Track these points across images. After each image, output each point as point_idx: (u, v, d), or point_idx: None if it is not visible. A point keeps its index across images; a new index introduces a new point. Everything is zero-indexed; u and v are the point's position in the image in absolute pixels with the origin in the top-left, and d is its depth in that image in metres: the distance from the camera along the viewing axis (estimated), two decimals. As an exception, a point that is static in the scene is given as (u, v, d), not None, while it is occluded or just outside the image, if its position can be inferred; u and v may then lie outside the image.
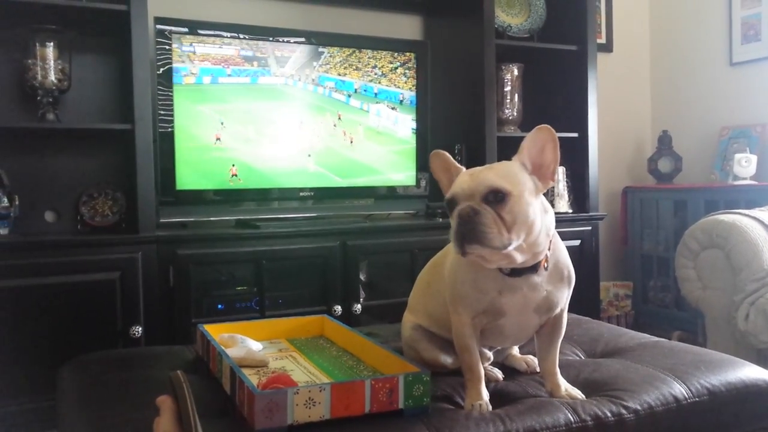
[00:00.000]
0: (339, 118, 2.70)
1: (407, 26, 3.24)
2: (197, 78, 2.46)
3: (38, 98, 2.35)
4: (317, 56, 2.66)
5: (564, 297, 1.27)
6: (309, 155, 2.68)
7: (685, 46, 3.78)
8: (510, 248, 1.13)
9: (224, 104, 2.53)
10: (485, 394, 1.24)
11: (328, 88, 2.68)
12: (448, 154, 1.27)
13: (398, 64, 2.80)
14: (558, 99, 3.23)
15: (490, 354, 1.42)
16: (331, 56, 2.65)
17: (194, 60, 2.46)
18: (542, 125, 1.21)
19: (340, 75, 2.70)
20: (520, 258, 1.16)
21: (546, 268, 1.22)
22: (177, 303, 2.33)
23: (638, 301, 3.65)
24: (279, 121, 2.62)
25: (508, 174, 1.17)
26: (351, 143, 2.74)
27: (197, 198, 2.51)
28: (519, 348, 1.50)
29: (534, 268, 1.20)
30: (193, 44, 2.46)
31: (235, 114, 2.55)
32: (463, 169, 1.25)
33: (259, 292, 2.46)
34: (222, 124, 2.52)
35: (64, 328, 2.17)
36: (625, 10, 3.85)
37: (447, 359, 1.38)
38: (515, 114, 3.14)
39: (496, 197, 1.13)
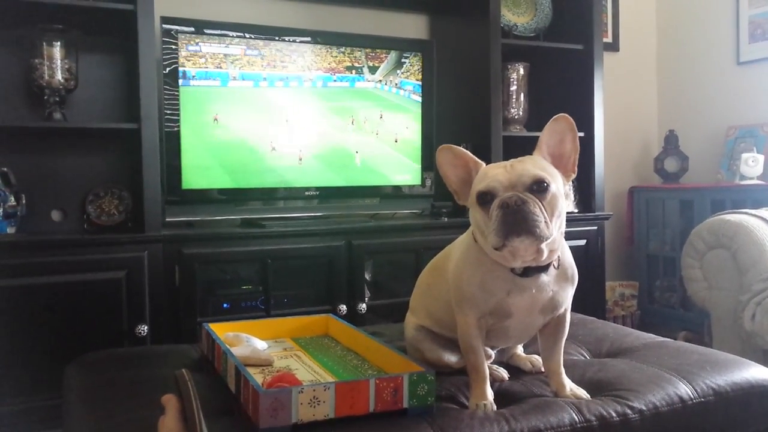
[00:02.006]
0: (381, 117, 2.85)
1: (413, 25, 3.24)
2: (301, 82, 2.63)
3: (45, 97, 2.36)
4: (401, 65, 2.87)
5: (568, 296, 1.27)
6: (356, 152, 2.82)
7: (692, 45, 3.76)
8: (548, 240, 1.12)
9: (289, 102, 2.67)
10: (490, 394, 1.24)
11: (407, 90, 2.90)
12: (462, 149, 1.24)
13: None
14: (564, 98, 3.22)
15: (492, 353, 1.42)
16: (411, 65, 2.90)
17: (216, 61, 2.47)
18: (559, 115, 1.20)
19: (418, 79, 2.91)
20: (546, 253, 1.15)
21: (556, 267, 1.22)
22: (182, 302, 2.33)
23: (644, 301, 3.64)
24: (369, 118, 2.82)
25: (543, 166, 1.17)
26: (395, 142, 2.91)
27: (203, 197, 2.52)
28: (523, 347, 1.50)
29: (544, 268, 1.20)
30: (200, 43, 2.47)
31: (299, 112, 2.68)
32: (483, 163, 1.23)
33: (264, 292, 2.46)
34: (287, 121, 2.65)
35: (70, 327, 2.18)
36: (631, 9, 3.84)
37: (451, 359, 1.38)
38: (521, 113, 3.14)
39: (540, 187, 1.12)
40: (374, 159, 2.83)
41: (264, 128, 2.61)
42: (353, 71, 2.77)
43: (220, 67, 2.51)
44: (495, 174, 1.15)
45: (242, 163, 2.57)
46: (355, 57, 2.76)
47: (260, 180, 2.61)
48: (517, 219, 1.09)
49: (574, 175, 1.24)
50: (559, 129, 1.21)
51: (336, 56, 2.71)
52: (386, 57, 2.83)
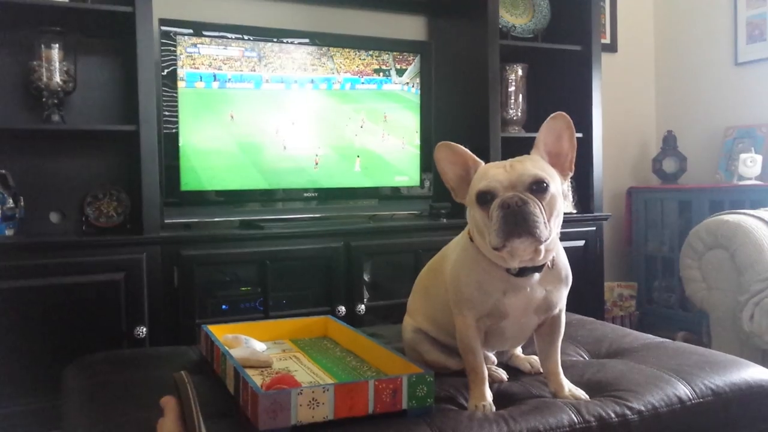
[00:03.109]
0: (384, 120, 2.87)
1: (411, 27, 3.24)
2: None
3: (43, 100, 2.36)
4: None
5: (562, 297, 1.28)
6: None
7: (689, 45, 3.77)
8: (547, 241, 1.12)
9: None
10: (489, 395, 1.24)
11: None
12: (460, 146, 1.24)
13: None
14: (562, 99, 3.22)
15: (493, 357, 1.42)
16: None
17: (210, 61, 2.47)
18: (557, 113, 1.21)
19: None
20: (543, 253, 1.16)
21: (551, 267, 1.22)
22: (181, 304, 2.33)
23: (642, 302, 3.64)
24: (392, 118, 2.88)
25: (542, 166, 1.17)
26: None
27: (201, 199, 2.52)
28: (522, 348, 1.50)
29: (539, 267, 1.20)
30: (198, 45, 2.47)
31: (299, 114, 2.67)
32: (482, 162, 1.23)
33: (263, 293, 2.46)
34: (293, 124, 2.66)
35: (68, 329, 2.17)
36: (629, 10, 3.85)
37: (449, 360, 1.38)
38: (519, 114, 3.14)
39: (540, 187, 1.12)
40: (387, 160, 2.86)
41: (263, 130, 2.61)
42: (380, 74, 2.80)
43: (219, 69, 2.51)
44: (495, 174, 1.15)
45: (239, 165, 2.57)
46: (383, 60, 2.79)
47: (259, 181, 2.61)
48: (517, 220, 1.09)
49: (571, 174, 1.24)
50: (556, 127, 1.21)
51: (347, 59, 2.71)
52: (413, 60, 2.86)
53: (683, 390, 1.29)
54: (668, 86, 3.91)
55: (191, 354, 1.61)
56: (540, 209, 1.11)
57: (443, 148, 1.25)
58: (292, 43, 2.63)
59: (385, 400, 1.12)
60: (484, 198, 1.14)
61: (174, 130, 2.44)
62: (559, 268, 1.25)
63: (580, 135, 3.09)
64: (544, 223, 1.10)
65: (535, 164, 1.16)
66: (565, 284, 1.27)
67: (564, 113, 1.21)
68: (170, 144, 2.44)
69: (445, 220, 2.81)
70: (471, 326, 1.24)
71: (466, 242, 1.26)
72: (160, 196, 2.37)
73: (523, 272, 1.19)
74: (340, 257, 2.56)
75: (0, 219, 2.25)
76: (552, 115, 1.21)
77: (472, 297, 1.23)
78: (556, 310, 1.28)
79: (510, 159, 1.19)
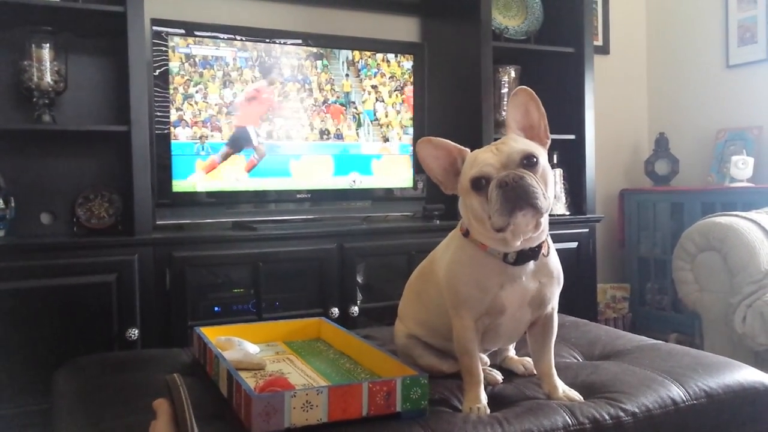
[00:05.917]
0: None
1: (405, 28, 3.24)
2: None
3: (34, 100, 2.34)
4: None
5: (555, 294, 1.29)
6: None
7: (681, 48, 3.79)
8: (546, 213, 1.14)
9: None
10: (483, 398, 1.24)
11: None
12: (442, 139, 1.24)
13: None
14: (555, 101, 3.20)
15: (486, 359, 1.42)
16: None
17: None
18: (518, 88, 1.24)
19: None
20: (542, 226, 1.17)
21: (546, 255, 1.23)
22: (173, 305, 2.32)
23: (635, 304, 3.65)
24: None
25: (526, 142, 1.20)
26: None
27: (194, 200, 2.51)
28: (516, 350, 1.50)
29: (536, 255, 1.21)
30: (190, 45, 2.46)
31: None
32: (468, 150, 1.24)
33: (256, 295, 2.45)
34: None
35: (59, 331, 2.16)
36: (622, 12, 3.86)
37: (443, 364, 1.38)
38: (512, 116, 3.14)
39: (530, 162, 1.15)
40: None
41: (255, 130, 2.60)
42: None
43: (210, 69, 2.50)
44: (485, 158, 1.17)
45: (233, 165, 2.56)
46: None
47: (250, 182, 2.60)
48: (518, 194, 1.11)
49: (548, 142, 1.25)
50: (519, 102, 1.24)
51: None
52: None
53: (677, 392, 1.30)
54: (660, 89, 3.92)
55: (183, 356, 1.61)
56: (536, 181, 1.12)
57: (425, 145, 1.25)
58: (284, 43, 2.63)
59: (379, 402, 1.11)
60: (479, 183, 1.15)
61: (166, 131, 2.43)
62: (551, 267, 1.26)
63: (572, 137, 3.10)
64: (543, 194, 1.12)
65: (518, 141, 1.19)
66: (557, 281, 1.28)
67: (524, 87, 1.24)
68: (162, 144, 2.43)
69: (438, 222, 2.81)
70: (469, 327, 1.24)
71: (459, 240, 1.26)
72: (152, 197, 2.36)
73: (520, 260, 1.20)
74: (333, 259, 2.55)
75: (-10, 220, 2.24)
76: (513, 91, 1.24)
77: (471, 295, 1.23)
78: (549, 308, 1.29)
79: (493, 143, 1.21)
